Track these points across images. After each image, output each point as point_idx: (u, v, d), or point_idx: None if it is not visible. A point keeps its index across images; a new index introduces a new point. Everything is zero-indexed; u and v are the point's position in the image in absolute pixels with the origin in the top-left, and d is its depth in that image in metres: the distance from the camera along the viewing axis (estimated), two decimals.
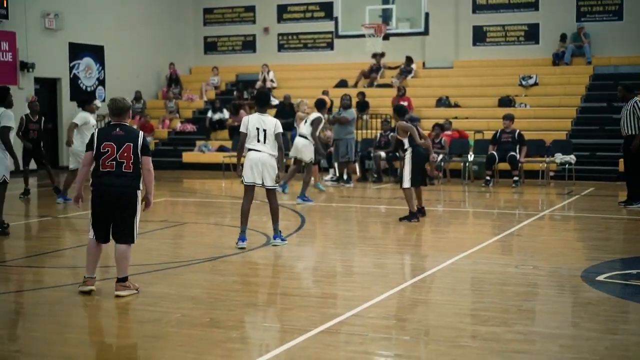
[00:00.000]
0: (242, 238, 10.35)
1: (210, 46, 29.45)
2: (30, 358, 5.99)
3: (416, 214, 12.62)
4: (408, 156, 12.49)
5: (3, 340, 6.59)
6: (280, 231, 10.65)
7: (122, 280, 7.82)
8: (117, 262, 7.84)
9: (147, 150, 7.82)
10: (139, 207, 7.85)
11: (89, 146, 7.82)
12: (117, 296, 7.72)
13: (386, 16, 21.85)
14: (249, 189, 10.47)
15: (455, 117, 22.29)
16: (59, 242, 11.61)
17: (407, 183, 12.45)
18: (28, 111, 16.72)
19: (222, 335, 6.52)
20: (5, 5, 21.76)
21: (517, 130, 18.82)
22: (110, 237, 7.86)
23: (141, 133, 7.88)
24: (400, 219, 12.62)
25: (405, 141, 12.46)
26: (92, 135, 7.90)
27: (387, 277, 8.84)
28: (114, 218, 7.75)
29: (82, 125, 14.77)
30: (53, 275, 9.07)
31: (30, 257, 10.24)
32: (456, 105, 23.42)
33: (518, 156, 18.43)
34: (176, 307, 7.41)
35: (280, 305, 7.75)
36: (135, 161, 7.71)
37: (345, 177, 18.72)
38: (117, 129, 7.77)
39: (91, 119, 15.03)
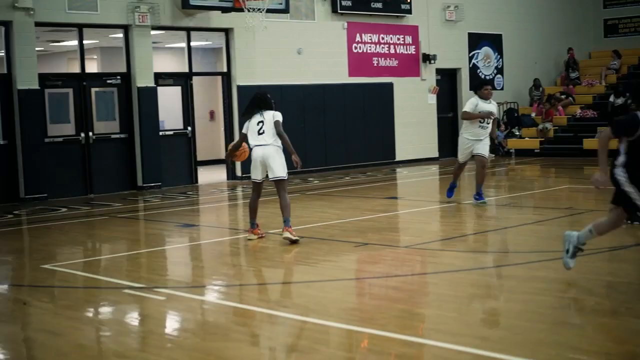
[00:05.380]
0: None
1: (611, 29, 28.38)
2: (447, 336, 6.24)
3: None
4: None
5: (422, 318, 6.94)
6: None
7: None
8: None
9: None
10: None
11: None
12: None
13: None
14: None
15: None
16: (463, 228, 11.98)
17: None
18: None
19: None
20: (408, 1, 22.79)
21: None
22: None
23: None
24: None
25: None
26: None
27: None
28: None
29: (471, 111, 13.45)
30: (458, 259, 9.38)
31: (434, 241, 10.67)
32: None
33: None
34: (588, 295, 7.30)
35: None
36: None
37: None
38: None
39: (480, 102, 13.49)
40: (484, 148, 13.50)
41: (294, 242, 10.28)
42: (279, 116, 10.56)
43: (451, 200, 14.13)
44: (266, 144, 10.46)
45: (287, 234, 10.32)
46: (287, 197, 10.52)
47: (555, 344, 5.92)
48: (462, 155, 13.81)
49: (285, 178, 10.54)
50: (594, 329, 6.29)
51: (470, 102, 13.63)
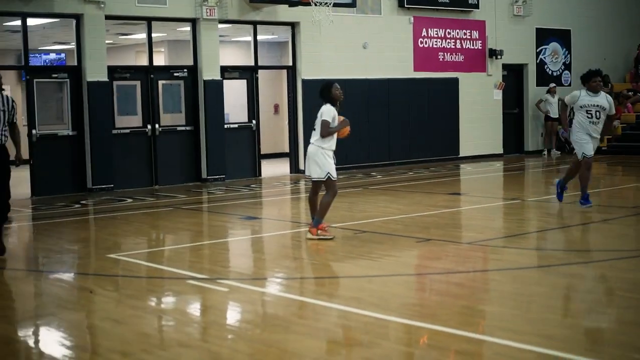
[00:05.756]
0: None
1: None
2: (509, 334, 6.17)
3: None
4: None
5: (484, 315, 6.88)
6: None
7: None
8: None
9: None
10: None
11: None
12: None
13: None
14: None
15: None
16: (527, 224, 11.85)
17: None
18: None
19: None
20: None
21: None
22: None
23: None
24: None
25: None
26: None
27: None
28: None
29: (569, 103, 12.31)
30: (521, 256, 9.27)
31: (497, 238, 10.57)
32: None
33: None
34: None
35: None
36: None
37: None
38: None
39: (584, 95, 12.08)
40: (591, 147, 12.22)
41: (327, 239, 10.20)
42: (326, 114, 10.08)
43: (515, 197, 13.94)
44: (311, 142, 10.30)
45: (308, 235, 10.32)
46: (326, 198, 10.24)
47: (621, 344, 5.83)
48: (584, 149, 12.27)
49: (321, 179, 10.22)
50: None
51: (572, 94, 12.36)
